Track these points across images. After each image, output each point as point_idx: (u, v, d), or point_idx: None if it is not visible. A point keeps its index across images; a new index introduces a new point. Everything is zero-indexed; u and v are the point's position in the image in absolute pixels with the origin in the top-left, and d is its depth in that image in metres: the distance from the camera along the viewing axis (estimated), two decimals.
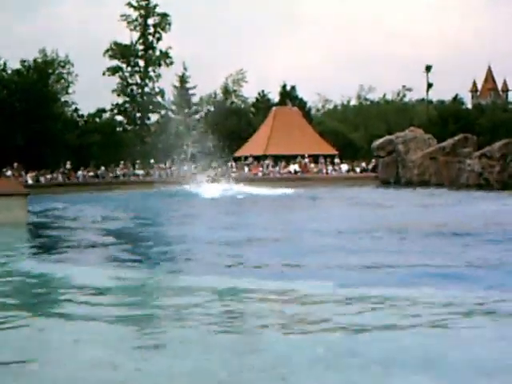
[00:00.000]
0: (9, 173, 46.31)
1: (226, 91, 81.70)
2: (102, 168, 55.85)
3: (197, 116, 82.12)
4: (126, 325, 9.94)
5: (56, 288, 12.98)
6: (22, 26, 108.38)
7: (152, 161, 58.79)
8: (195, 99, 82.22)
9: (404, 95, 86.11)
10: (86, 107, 75.41)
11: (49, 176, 52.25)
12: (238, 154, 65.03)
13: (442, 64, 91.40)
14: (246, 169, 58.13)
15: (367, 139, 66.52)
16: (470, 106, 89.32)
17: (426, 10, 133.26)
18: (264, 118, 71.22)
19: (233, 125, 75.32)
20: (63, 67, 73.16)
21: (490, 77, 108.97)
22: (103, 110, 76.64)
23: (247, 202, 38.40)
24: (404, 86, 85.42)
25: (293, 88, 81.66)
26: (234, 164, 59.89)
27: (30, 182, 48.13)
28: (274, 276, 13.46)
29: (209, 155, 59.56)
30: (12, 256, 17.01)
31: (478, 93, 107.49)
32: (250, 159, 60.62)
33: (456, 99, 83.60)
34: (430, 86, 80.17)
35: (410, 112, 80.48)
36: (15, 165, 49.12)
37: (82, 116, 73.67)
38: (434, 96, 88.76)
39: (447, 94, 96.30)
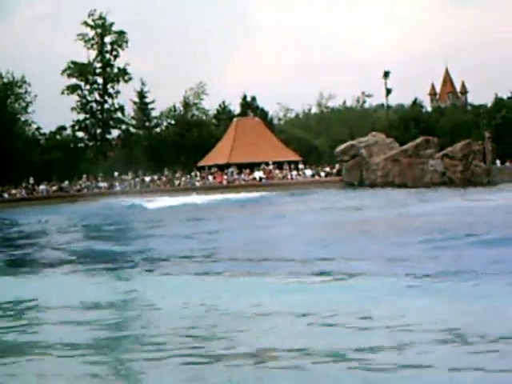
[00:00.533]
0: None
1: (187, 104, 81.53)
2: (66, 182, 56.14)
3: (157, 129, 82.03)
4: None
5: None
6: None
7: (116, 173, 58.71)
8: (155, 113, 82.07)
9: (364, 101, 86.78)
10: (48, 125, 75.49)
11: (13, 191, 52.62)
12: (201, 163, 64.99)
13: (399, 69, 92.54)
14: (211, 177, 58.08)
15: (330, 145, 66.96)
16: (429, 109, 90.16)
17: (380, 16, 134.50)
18: (226, 128, 71.41)
19: (194, 136, 75.46)
20: (20, 87, 72.73)
21: (448, 80, 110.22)
22: (63, 128, 76.90)
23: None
24: (363, 93, 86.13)
25: (253, 99, 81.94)
26: (198, 173, 59.78)
27: None
28: None
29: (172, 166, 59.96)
30: None
31: (437, 96, 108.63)
32: (214, 168, 60.62)
33: (415, 103, 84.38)
34: (388, 91, 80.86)
35: (370, 117, 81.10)
36: None
37: (44, 134, 73.77)
38: (394, 101, 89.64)
39: (406, 98, 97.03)
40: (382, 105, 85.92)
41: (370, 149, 55.45)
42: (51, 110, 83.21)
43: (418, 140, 55.16)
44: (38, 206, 46.05)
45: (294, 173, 58.02)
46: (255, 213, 32.81)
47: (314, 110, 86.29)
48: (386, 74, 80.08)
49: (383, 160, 54.09)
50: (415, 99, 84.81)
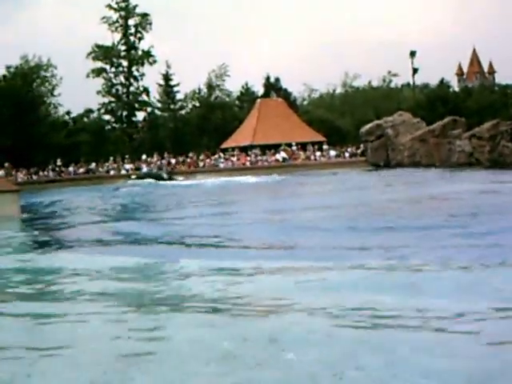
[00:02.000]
0: (1, 172, 46.72)
1: (210, 86, 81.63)
2: (93, 164, 57.00)
3: (182, 112, 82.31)
4: None
5: None
6: (2, 32, 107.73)
7: (144, 156, 59.30)
8: (180, 96, 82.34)
9: (390, 81, 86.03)
10: (74, 108, 76.35)
11: (41, 173, 53.56)
12: (224, 145, 65.23)
13: (426, 48, 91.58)
14: (234, 159, 58.17)
15: (354, 125, 66.60)
16: (456, 89, 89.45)
17: None
18: (249, 110, 71.50)
19: (218, 119, 75.61)
20: (46, 70, 73.29)
21: (475, 60, 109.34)
22: (91, 110, 77.97)
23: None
24: (389, 72, 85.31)
25: (277, 80, 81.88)
26: (222, 155, 59.89)
27: (20, 179, 48.88)
28: None
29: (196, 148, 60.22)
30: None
31: (464, 76, 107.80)
32: (237, 150, 60.73)
33: (442, 83, 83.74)
34: (415, 71, 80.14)
35: (396, 97, 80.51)
36: (6, 164, 49.42)
37: (69, 113, 75.20)
38: (420, 80, 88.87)
39: (433, 77, 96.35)
40: (408, 84, 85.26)
41: (396, 128, 55.08)
42: (78, 93, 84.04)
43: (446, 120, 54.61)
44: (66, 188, 46.78)
45: (318, 153, 57.89)
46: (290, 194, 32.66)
47: (339, 90, 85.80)
48: (413, 54, 79.39)
49: (410, 140, 53.71)
50: (442, 79, 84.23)
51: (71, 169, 55.68)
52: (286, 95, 77.19)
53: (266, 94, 76.40)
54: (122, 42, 79.93)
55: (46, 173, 54.83)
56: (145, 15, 79.82)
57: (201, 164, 57.74)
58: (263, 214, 22.80)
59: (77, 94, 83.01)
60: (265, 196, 33.86)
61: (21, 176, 52.16)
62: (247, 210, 25.03)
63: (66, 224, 23.79)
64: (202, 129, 75.18)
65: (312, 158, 57.58)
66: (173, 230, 19.15)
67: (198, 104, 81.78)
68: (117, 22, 79.79)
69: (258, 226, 19.31)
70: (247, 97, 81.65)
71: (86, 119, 77.24)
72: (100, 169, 56.57)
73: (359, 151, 57.13)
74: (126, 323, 8.23)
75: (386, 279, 10.50)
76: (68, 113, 76.06)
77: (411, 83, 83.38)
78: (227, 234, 17.47)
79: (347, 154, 57.65)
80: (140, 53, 79.88)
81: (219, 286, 10.35)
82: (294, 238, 16.01)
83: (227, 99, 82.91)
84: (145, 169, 56.12)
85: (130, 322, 8.28)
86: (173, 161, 57.96)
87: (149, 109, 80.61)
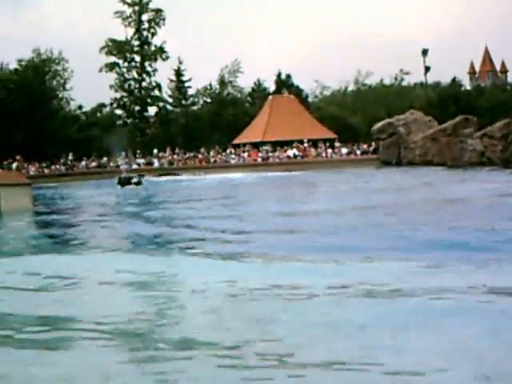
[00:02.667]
0: (14, 165, 46.80)
1: (222, 82, 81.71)
2: (105, 158, 57.03)
3: (194, 108, 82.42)
4: None
5: None
6: (15, 25, 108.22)
7: (155, 151, 59.39)
8: (191, 91, 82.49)
9: (402, 79, 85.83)
10: (86, 102, 76.58)
11: (52, 167, 53.75)
12: (236, 141, 65.20)
13: (438, 47, 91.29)
14: (246, 155, 58.16)
15: (366, 123, 66.48)
16: (468, 87, 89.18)
17: None
18: (260, 107, 71.51)
19: (229, 115, 75.67)
20: (58, 64, 73.40)
21: (487, 58, 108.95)
22: (103, 105, 78.28)
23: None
24: (401, 70, 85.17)
25: (288, 76, 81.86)
26: (232, 151, 59.88)
27: (31, 173, 49.07)
28: None
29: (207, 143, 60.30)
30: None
31: (477, 75, 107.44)
32: (248, 146, 60.73)
33: (454, 81, 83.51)
34: (427, 69, 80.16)
35: (408, 95, 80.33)
36: (18, 158, 49.50)
37: (81, 108, 75.44)
38: (432, 79, 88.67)
39: (445, 76, 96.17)
40: (421, 83, 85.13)
41: (408, 127, 55.00)
42: (89, 88, 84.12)
43: (458, 119, 54.45)
44: (77, 182, 46.96)
45: (330, 151, 57.86)
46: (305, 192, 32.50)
47: (351, 87, 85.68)
48: (425, 52, 79.38)
49: (422, 138, 53.62)
50: (454, 77, 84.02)
51: (83, 163, 55.90)
52: (297, 92, 77.15)
53: (278, 91, 76.44)
54: (136, 36, 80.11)
55: (57, 166, 54.92)
56: (158, 10, 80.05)
57: (212, 160, 57.75)
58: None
59: (88, 88, 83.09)
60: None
61: (32, 169, 52.25)
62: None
63: (76, 218, 23.87)
64: (213, 125, 75.27)
65: (323, 155, 57.53)
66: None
67: (209, 100, 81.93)
68: (130, 16, 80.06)
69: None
70: (259, 93, 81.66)
71: (98, 114, 77.48)
72: (111, 163, 56.62)
73: (371, 149, 57.04)
74: None
75: None
76: (80, 107, 76.47)
77: (423, 81, 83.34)
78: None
79: (359, 152, 57.56)
80: (153, 48, 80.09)
81: None
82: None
83: (239, 95, 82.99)
84: (156, 163, 56.26)
85: None
86: (184, 156, 58.04)
87: (160, 104, 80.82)
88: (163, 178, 49.35)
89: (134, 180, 40.90)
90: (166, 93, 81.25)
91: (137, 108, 79.51)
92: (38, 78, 66.69)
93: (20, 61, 67.56)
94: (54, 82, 73.05)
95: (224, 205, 25.89)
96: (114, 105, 79.23)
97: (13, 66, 67.11)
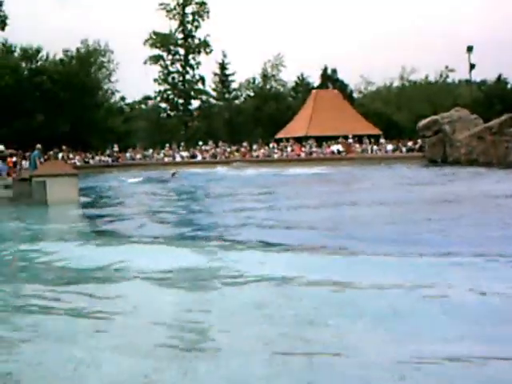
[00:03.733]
0: (59, 155, 47.02)
1: (265, 76, 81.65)
2: (150, 150, 57.47)
3: (236, 101, 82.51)
4: None
5: None
6: (62, 16, 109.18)
7: (200, 143, 59.41)
8: (235, 85, 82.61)
9: (447, 76, 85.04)
10: (130, 95, 77.43)
11: (98, 158, 54.13)
12: (279, 135, 64.98)
13: (484, 44, 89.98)
14: (289, 149, 57.89)
15: (411, 120, 65.82)
16: None
17: None
18: (303, 101, 71.20)
19: (272, 109, 75.53)
20: (104, 55, 73.89)
21: None
22: (149, 97, 78.86)
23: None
24: (447, 67, 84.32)
25: (334, 71, 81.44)
26: (275, 145, 59.67)
27: (77, 163, 49.42)
28: None
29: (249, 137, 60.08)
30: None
31: None
32: (291, 141, 60.39)
33: (500, 79, 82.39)
34: (472, 66, 78.93)
35: (453, 92, 79.50)
36: (64, 148, 49.85)
37: (123, 99, 75.96)
38: (477, 76, 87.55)
39: (490, 74, 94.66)
40: (466, 80, 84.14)
41: (453, 125, 54.30)
42: (134, 80, 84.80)
43: (503, 117, 53.59)
44: (122, 173, 47.18)
45: (375, 147, 57.39)
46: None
47: (396, 83, 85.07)
48: (470, 49, 78.30)
49: (467, 137, 52.88)
50: (499, 75, 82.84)
51: (128, 154, 56.22)
52: (342, 87, 76.75)
53: (323, 85, 76.20)
54: (180, 29, 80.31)
55: (102, 157, 55.28)
56: (202, 3, 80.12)
57: (254, 154, 57.62)
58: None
59: (133, 81, 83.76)
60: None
61: (77, 159, 52.68)
62: None
63: (121, 211, 23.66)
64: (256, 119, 75.26)
65: (369, 151, 57.12)
66: None
67: (252, 94, 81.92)
68: (174, 9, 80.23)
69: None
70: (302, 87, 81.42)
71: (143, 106, 78.09)
72: (155, 155, 56.84)
73: (417, 146, 56.49)
74: None
75: None
76: (122, 98, 77.03)
77: (468, 79, 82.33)
78: None
79: (404, 149, 57.04)
80: (197, 41, 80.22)
81: None
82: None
83: (282, 89, 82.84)
84: (199, 157, 56.29)
85: None
86: (227, 149, 57.99)
87: (204, 97, 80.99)
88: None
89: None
90: (210, 86, 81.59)
91: (180, 101, 79.81)
92: (83, 69, 67.12)
93: (66, 51, 68.12)
94: (100, 74, 73.66)
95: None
96: (158, 97, 79.66)
97: (59, 56, 67.66)
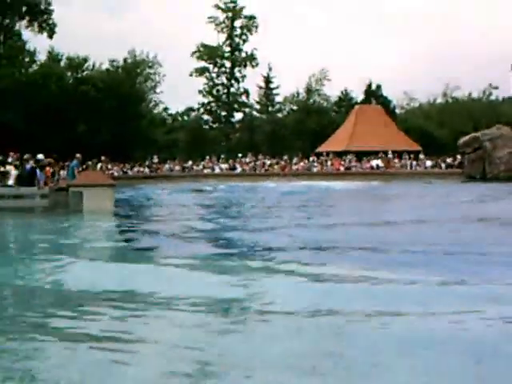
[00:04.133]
0: (98, 166, 47.34)
1: (309, 90, 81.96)
2: (190, 162, 57.75)
3: (279, 115, 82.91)
4: None
5: None
6: (110, 27, 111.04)
7: (240, 155, 59.64)
8: (278, 98, 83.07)
9: (490, 93, 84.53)
10: (173, 105, 77.99)
11: (136, 169, 54.35)
12: (319, 149, 65.22)
13: None
14: (329, 163, 58.14)
15: (452, 136, 65.58)
16: None
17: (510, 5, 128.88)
18: (346, 116, 71.37)
19: (314, 123, 75.79)
20: (151, 67, 74.77)
21: None
22: (192, 109, 79.34)
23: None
24: (490, 84, 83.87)
25: (378, 87, 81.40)
26: (315, 159, 59.90)
27: (115, 174, 49.62)
28: None
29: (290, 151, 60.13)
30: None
31: None
32: (332, 155, 60.58)
33: None
34: None
35: (496, 110, 78.93)
36: (103, 158, 50.10)
37: (166, 110, 76.58)
38: None
39: None
40: (510, 98, 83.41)
41: (494, 142, 54.00)
42: (177, 91, 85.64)
43: None
44: (160, 184, 47.34)
45: (414, 163, 57.37)
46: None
47: (439, 100, 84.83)
48: None
49: (507, 153, 52.70)
50: None
51: (167, 166, 56.37)
52: (385, 103, 76.68)
53: (366, 101, 76.24)
54: (227, 42, 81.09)
55: (141, 168, 55.54)
56: (251, 17, 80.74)
57: (294, 167, 57.92)
58: None
59: (176, 92, 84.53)
60: None
61: (115, 170, 52.83)
62: None
63: (157, 225, 23.07)
64: (298, 132, 75.57)
65: (408, 166, 57.12)
66: None
67: (295, 107, 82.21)
68: (223, 22, 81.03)
69: None
70: (345, 102, 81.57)
71: (186, 117, 78.68)
72: (195, 167, 57.08)
73: (456, 162, 56.34)
74: None
75: None
76: (165, 109, 77.61)
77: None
78: None
79: (443, 165, 56.92)
80: (243, 55, 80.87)
81: None
82: None
83: (325, 104, 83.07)
84: (239, 169, 56.59)
85: None
86: (267, 162, 58.29)
87: (247, 110, 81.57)
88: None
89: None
90: (253, 99, 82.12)
91: (223, 113, 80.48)
92: (128, 80, 67.45)
93: (112, 61, 68.41)
94: (145, 85, 74.38)
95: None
96: (201, 109, 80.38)
97: (105, 66, 68.06)
